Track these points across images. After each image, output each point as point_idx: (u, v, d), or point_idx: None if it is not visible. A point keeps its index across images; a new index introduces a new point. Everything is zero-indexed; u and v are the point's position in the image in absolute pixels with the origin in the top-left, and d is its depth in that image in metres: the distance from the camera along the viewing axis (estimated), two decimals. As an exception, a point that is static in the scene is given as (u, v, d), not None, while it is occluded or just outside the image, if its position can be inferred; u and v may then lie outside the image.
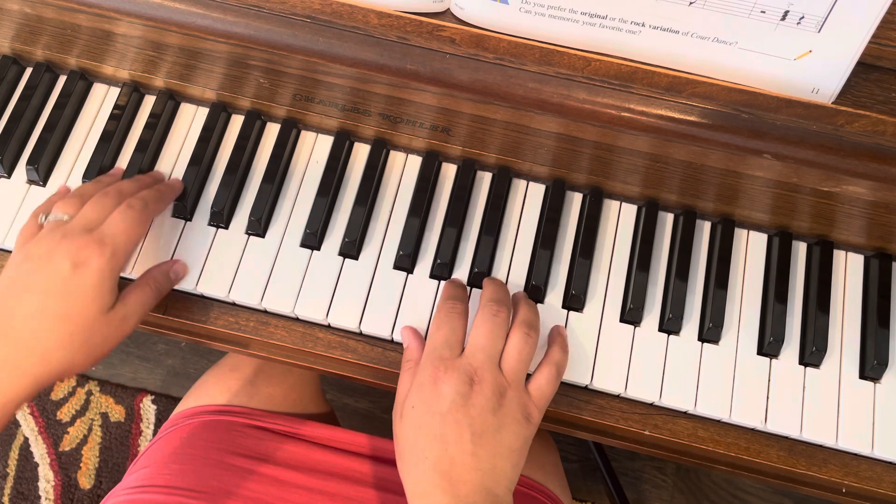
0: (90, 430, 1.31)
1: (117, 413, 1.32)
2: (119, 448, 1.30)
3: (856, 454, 0.59)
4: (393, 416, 0.55)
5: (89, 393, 1.33)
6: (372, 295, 0.61)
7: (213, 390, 0.77)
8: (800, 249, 0.64)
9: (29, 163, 0.64)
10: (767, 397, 0.59)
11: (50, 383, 0.52)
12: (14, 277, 0.52)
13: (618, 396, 0.60)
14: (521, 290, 0.62)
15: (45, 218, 0.56)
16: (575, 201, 0.65)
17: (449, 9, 0.55)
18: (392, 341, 0.61)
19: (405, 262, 0.62)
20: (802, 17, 0.49)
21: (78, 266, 0.51)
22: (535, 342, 0.55)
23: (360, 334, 0.62)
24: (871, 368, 0.60)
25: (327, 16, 0.54)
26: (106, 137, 0.65)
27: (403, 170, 0.66)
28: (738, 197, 0.61)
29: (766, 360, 0.61)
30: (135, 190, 0.59)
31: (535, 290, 0.61)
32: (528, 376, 0.55)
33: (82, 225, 0.54)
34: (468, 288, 0.62)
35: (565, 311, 0.62)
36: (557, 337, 0.59)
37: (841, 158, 0.53)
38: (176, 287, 0.61)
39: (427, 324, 0.60)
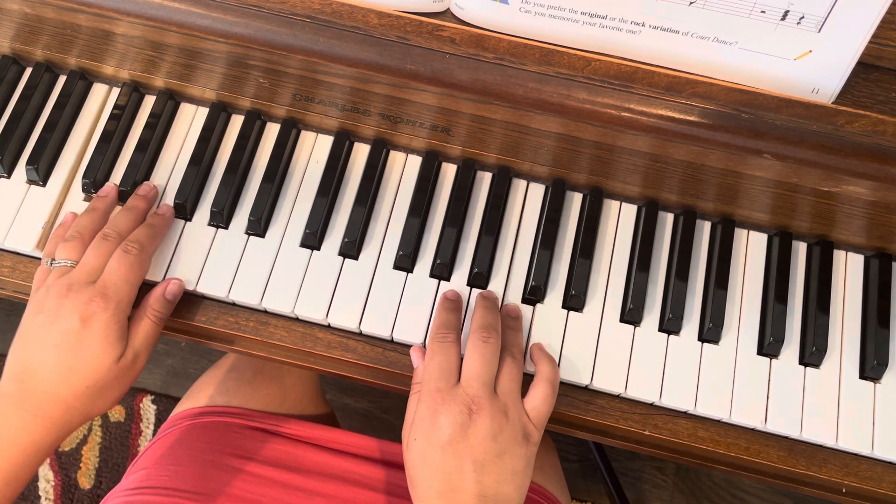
0: (90, 429, 1.31)
1: (117, 413, 1.32)
2: (119, 448, 1.30)
3: (856, 454, 0.59)
4: (402, 439, 0.56)
5: (89, 393, 1.32)
6: (372, 295, 0.61)
7: (211, 391, 0.77)
8: (800, 249, 0.64)
9: (29, 163, 0.64)
10: (767, 397, 0.59)
11: (75, 429, 0.56)
12: (31, 333, 0.55)
13: (618, 396, 0.60)
14: (506, 306, 0.61)
15: (51, 263, 0.58)
16: (575, 201, 0.65)
17: (449, 9, 0.55)
18: (392, 341, 0.61)
19: (405, 261, 0.62)
20: (802, 17, 0.49)
21: (86, 321, 0.54)
22: (521, 362, 0.57)
23: (360, 334, 0.62)
24: (871, 368, 0.60)
25: (327, 16, 0.54)
26: (106, 137, 0.65)
27: (403, 170, 0.66)
28: (738, 197, 0.61)
29: (766, 360, 0.61)
30: (132, 225, 0.60)
31: (535, 290, 0.61)
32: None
33: (86, 274, 0.56)
34: (468, 289, 0.62)
35: (565, 311, 0.62)
36: (540, 353, 0.59)
37: (841, 158, 0.53)
38: (176, 287, 0.61)
39: (427, 323, 0.60)
